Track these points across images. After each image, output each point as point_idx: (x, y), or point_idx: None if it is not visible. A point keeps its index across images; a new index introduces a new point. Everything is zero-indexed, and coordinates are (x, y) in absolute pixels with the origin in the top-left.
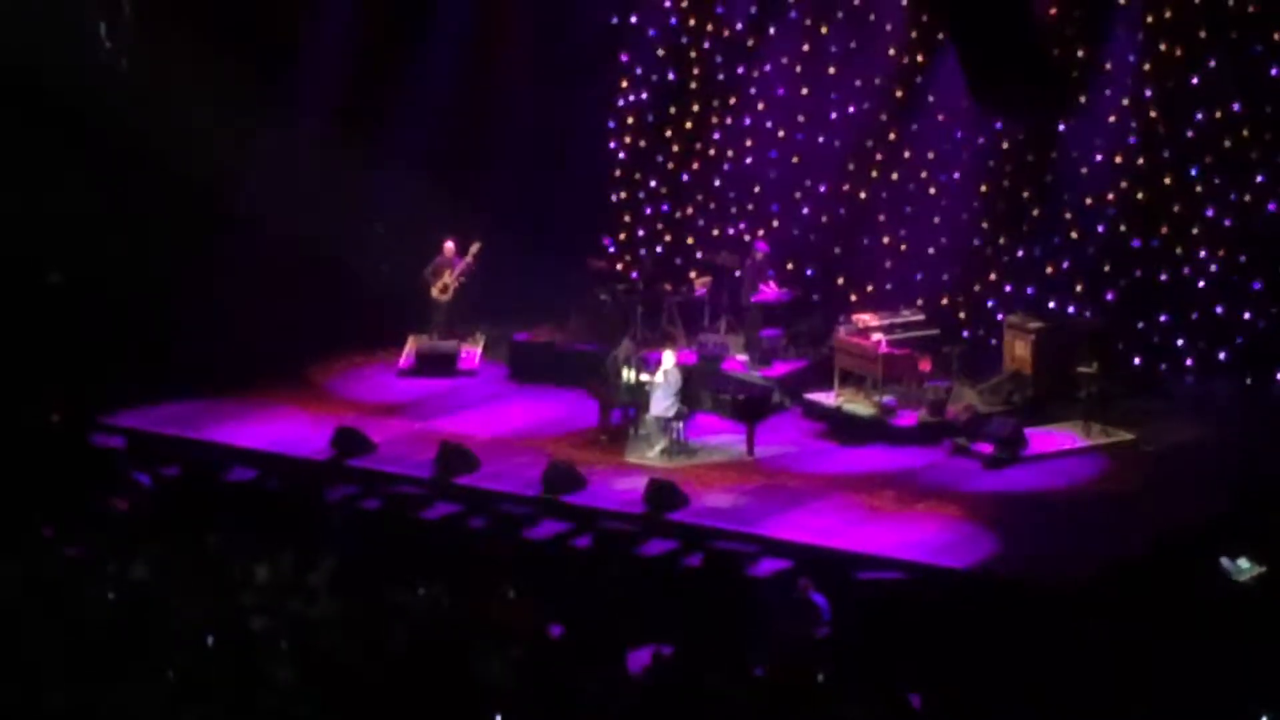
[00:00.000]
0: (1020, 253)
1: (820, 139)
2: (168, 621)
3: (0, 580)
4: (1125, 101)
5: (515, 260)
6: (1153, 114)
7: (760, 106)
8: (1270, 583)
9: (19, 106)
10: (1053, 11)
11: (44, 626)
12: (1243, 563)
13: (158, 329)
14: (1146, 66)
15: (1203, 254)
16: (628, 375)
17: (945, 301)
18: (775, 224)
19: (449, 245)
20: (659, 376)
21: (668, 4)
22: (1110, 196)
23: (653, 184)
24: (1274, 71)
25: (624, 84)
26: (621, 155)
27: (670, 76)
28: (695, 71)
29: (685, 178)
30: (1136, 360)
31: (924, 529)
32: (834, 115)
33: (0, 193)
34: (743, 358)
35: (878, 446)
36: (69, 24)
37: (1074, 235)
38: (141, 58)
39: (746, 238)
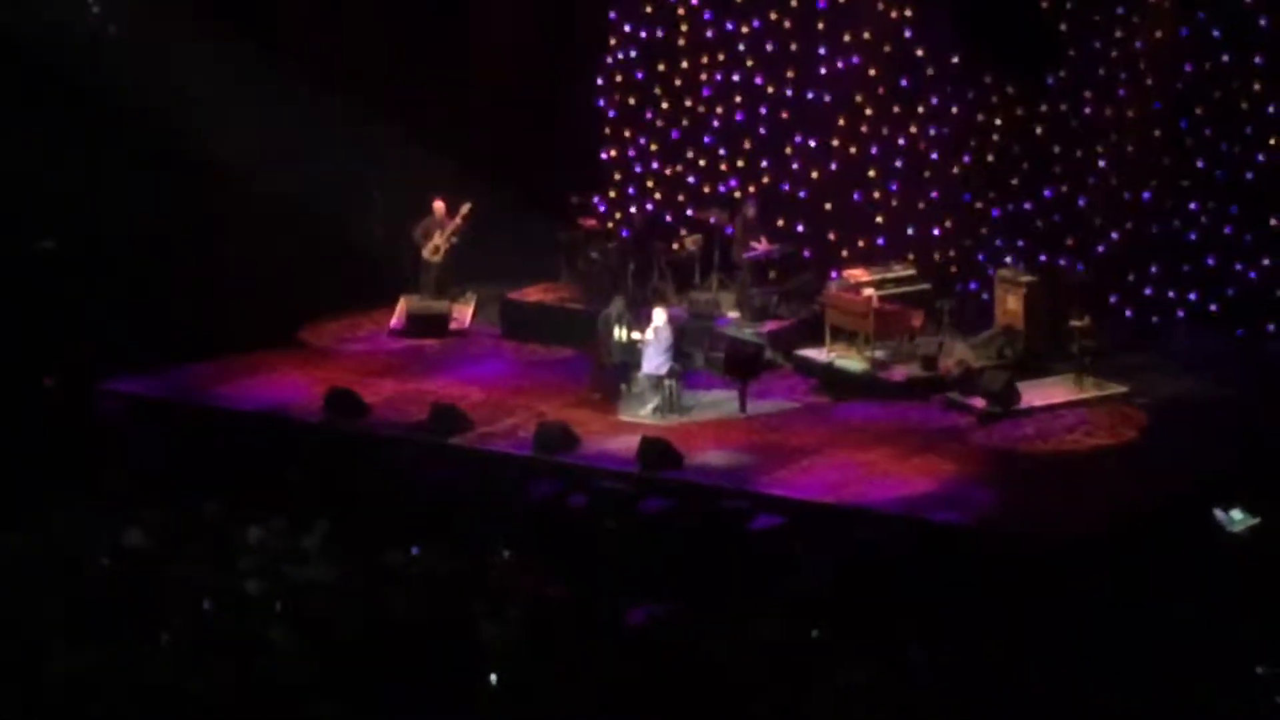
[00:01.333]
0: (1011, 207)
1: (810, 94)
2: (164, 586)
3: None
4: (1114, 54)
5: (506, 219)
6: (1142, 66)
7: (749, 63)
8: (1264, 533)
9: (6, 71)
10: None
11: (43, 593)
12: (1236, 514)
13: (151, 293)
14: (1135, 18)
15: (1193, 206)
16: (619, 333)
17: (936, 256)
18: (765, 180)
19: (439, 205)
20: (650, 334)
21: None
22: (1100, 149)
23: (642, 141)
24: (1262, 22)
25: (612, 41)
26: (611, 113)
27: (659, 33)
28: (684, 28)
29: (675, 135)
30: (1128, 313)
31: (918, 484)
32: (823, 70)
33: None
34: (734, 314)
35: (870, 402)
36: None
37: (1064, 189)
38: (130, 20)
39: (737, 195)
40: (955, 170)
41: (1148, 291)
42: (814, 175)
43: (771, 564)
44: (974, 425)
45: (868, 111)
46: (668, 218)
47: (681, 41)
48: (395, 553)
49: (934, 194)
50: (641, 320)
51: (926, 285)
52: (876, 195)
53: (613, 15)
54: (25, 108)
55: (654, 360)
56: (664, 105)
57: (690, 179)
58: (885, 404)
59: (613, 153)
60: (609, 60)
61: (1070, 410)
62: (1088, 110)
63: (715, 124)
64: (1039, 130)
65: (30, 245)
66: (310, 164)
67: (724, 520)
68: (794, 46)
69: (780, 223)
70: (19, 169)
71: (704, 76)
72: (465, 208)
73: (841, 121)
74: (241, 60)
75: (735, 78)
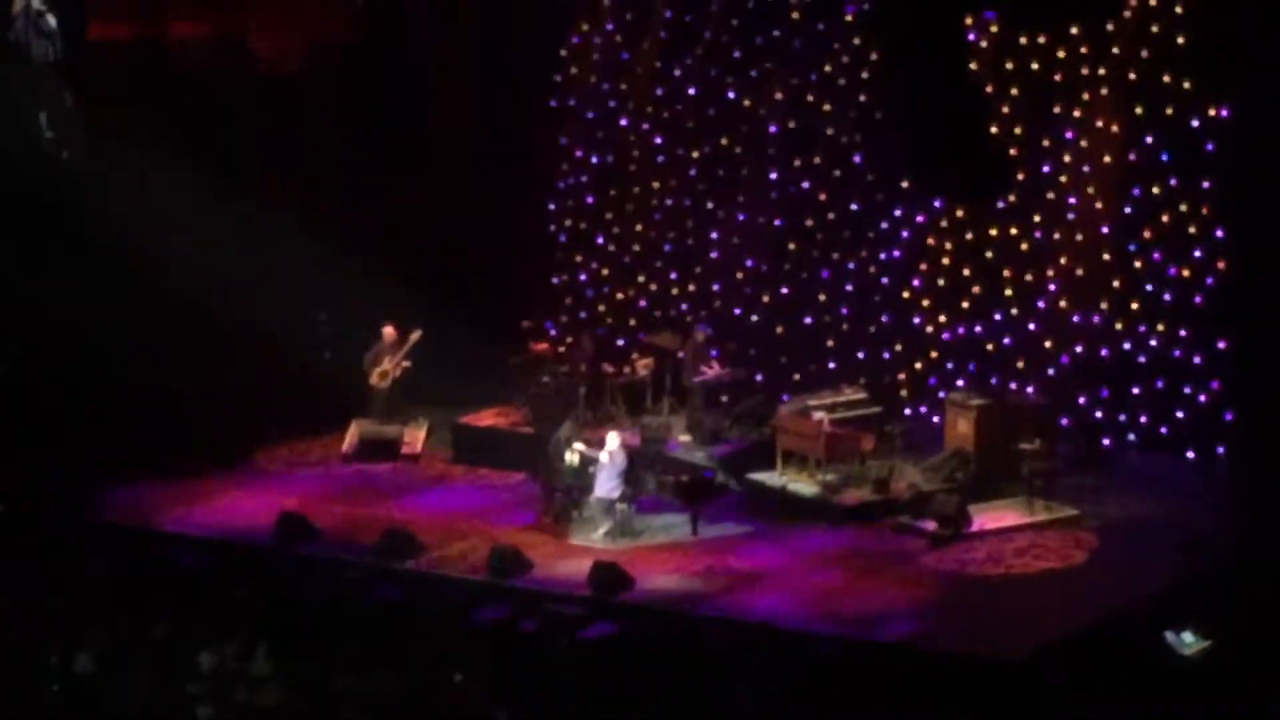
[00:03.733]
0: (961, 330)
1: (761, 219)
2: (113, 712)
3: None
4: (1064, 178)
5: (458, 344)
6: (1090, 190)
7: (700, 187)
8: (1215, 656)
9: None
10: (990, 89)
11: None
12: (1187, 637)
13: (103, 414)
14: (1084, 143)
15: (1143, 329)
16: (570, 458)
17: (887, 380)
18: (717, 304)
19: (389, 331)
20: (604, 458)
21: (606, 86)
22: (1050, 272)
23: (594, 266)
24: (1209, 147)
25: (564, 166)
26: (562, 238)
27: (609, 158)
28: (635, 153)
29: (626, 259)
30: (1079, 437)
31: (869, 607)
32: (774, 195)
33: None
34: (686, 439)
35: (822, 526)
36: (8, 114)
37: (1014, 312)
38: (83, 146)
39: (688, 319)
40: (905, 294)
41: (1098, 414)
42: (765, 299)
43: (723, 686)
44: (925, 548)
45: (818, 236)
46: (619, 342)
47: (633, 166)
48: (346, 677)
49: (885, 317)
50: (593, 445)
51: (877, 409)
52: (827, 319)
53: (564, 140)
54: None
55: (606, 484)
56: (615, 230)
57: (641, 303)
58: (837, 527)
59: (564, 277)
60: (560, 185)
61: (1021, 533)
62: (1038, 234)
63: (666, 248)
64: (989, 253)
65: None
66: (261, 288)
67: (674, 643)
68: (745, 171)
69: (732, 346)
70: None
71: (655, 201)
72: (415, 335)
73: (792, 245)
74: (193, 184)
75: (687, 202)
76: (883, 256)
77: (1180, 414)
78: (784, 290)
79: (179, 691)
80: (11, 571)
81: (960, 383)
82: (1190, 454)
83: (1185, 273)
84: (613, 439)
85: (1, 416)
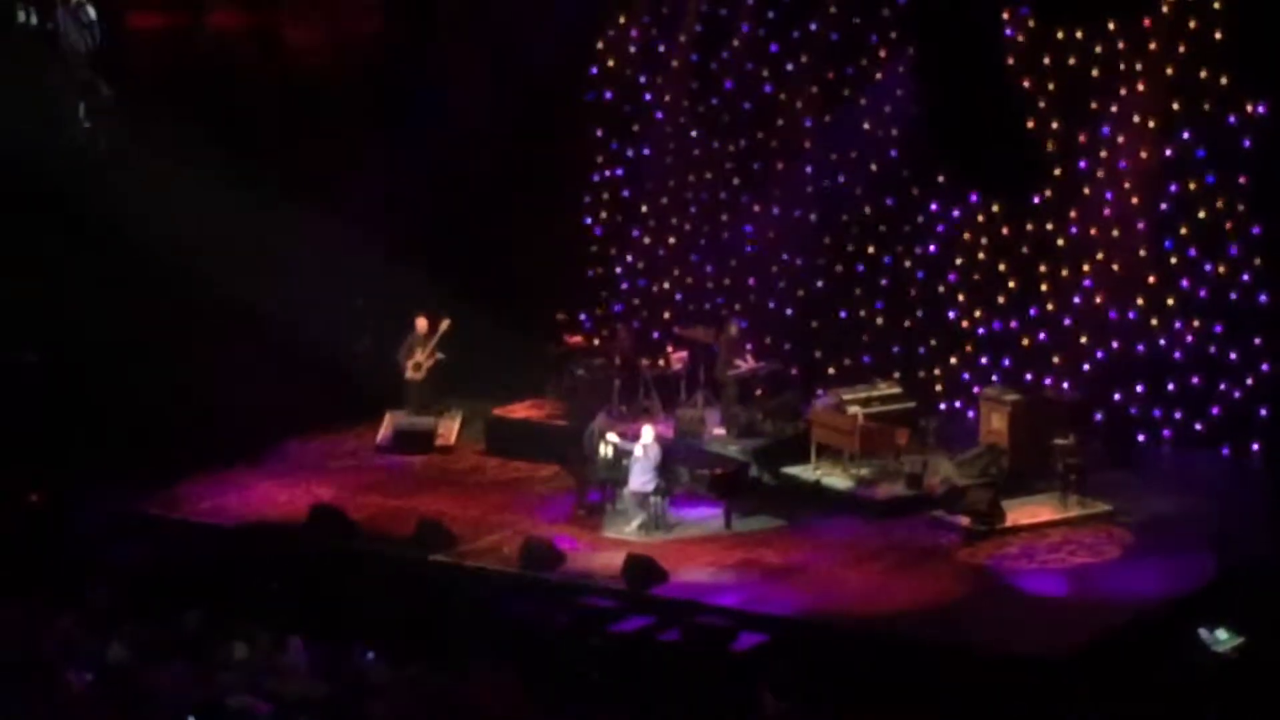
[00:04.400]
0: (996, 325)
1: (796, 213)
2: (146, 701)
3: None
4: (1100, 174)
5: (492, 336)
6: (1127, 185)
7: (735, 181)
8: (1249, 653)
9: None
10: (1026, 84)
11: (24, 709)
12: (1221, 633)
13: (137, 406)
14: (1120, 139)
15: (1178, 325)
16: (604, 450)
17: (922, 374)
18: (752, 298)
19: (421, 322)
20: (638, 451)
21: (643, 79)
22: (1086, 268)
23: (629, 259)
24: (1246, 143)
25: (600, 159)
26: (597, 230)
27: (645, 152)
28: (671, 146)
29: (661, 252)
30: (1113, 432)
31: (902, 602)
32: (809, 189)
33: None
34: (720, 432)
35: (855, 520)
36: (46, 105)
37: (1050, 307)
38: (120, 137)
39: (723, 312)
40: (941, 289)
41: (1133, 410)
42: (800, 293)
43: (754, 682)
44: (959, 544)
45: (853, 230)
46: (654, 334)
47: (669, 160)
48: (379, 668)
49: (920, 312)
50: (627, 437)
51: (912, 403)
52: (862, 313)
53: (599, 132)
54: (11, 222)
55: (640, 477)
56: (651, 223)
57: (676, 296)
58: (870, 522)
59: (599, 269)
60: (596, 178)
61: (1055, 529)
62: (1074, 229)
63: (702, 242)
64: (1025, 249)
65: (11, 357)
66: (293, 279)
67: (706, 638)
68: (780, 166)
69: (766, 340)
70: (3, 281)
71: (690, 195)
72: (444, 324)
73: (827, 240)
74: (228, 177)
75: (722, 196)
76: (918, 251)
77: (1215, 410)
78: (819, 284)
79: (212, 681)
80: (46, 562)
81: (995, 378)
82: (1225, 450)
83: (1221, 269)
84: (647, 432)
85: (33, 408)
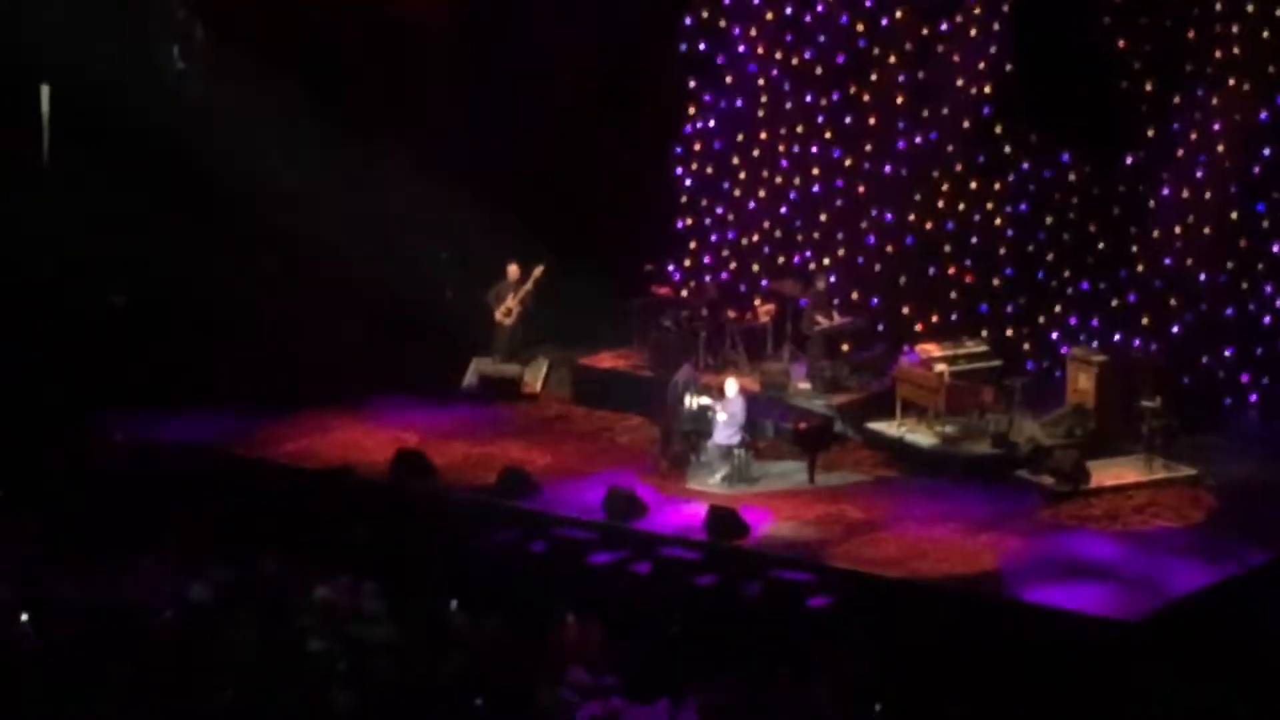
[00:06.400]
0: (1085, 285)
1: (887, 168)
2: (227, 641)
3: (64, 602)
4: (1193, 135)
5: (580, 285)
6: (1220, 148)
7: (827, 135)
8: None
9: (91, 129)
10: (1121, 44)
11: (107, 648)
12: None
13: (230, 354)
14: (1214, 101)
15: (1268, 290)
16: (690, 402)
17: (1009, 333)
18: (840, 253)
19: (513, 269)
20: (722, 404)
21: (736, 31)
22: (1176, 230)
23: (719, 211)
24: None
25: (691, 111)
26: (688, 182)
27: (738, 104)
28: (763, 99)
29: (751, 205)
30: (1200, 395)
31: (984, 562)
32: (901, 145)
33: (70, 216)
34: (806, 386)
35: (939, 477)
36: (142, 46)
37: (1140, 269)
38: (214, 80)
39: (811, 266)
40: (1030, 248)
41: (1220, 374)
42: (889, 249)
43: (830, 638)
44: (1042, 504)
45: (944, 187)
46: (741, 287)
47: (761, 112)
48: (459, 617)
49: (1008, 271)
50: (713, 390)
51: (998, 362)
52: (951, 271)
53: (692, 83)
54: (106, 165)
55: (725, 430)
56: (741, 175)
57: (765, 249)
58: (955, 480)
59: (688, 221)
60: (687, 129)
61: (1139, 491)
62: (1165, 191)
63: (792, 195)
64: (1115, 210)
65: (102, 300)
66: (382, 227)
67: (784, 593)
68: (873, 120)
69: (854, 295)
70: (93, 223)
71: (782, 148)
72: (538, 270)
73: (918, 197)
74: (318, 126)
75: (813, 150)
76: (1008, 209)
77: None
78: (908, 240)
79: (291, 624)
80: (132, 502)
81: (1082, 338)
82: None
83: None
84: (731, 385)
85: (123, 351)
